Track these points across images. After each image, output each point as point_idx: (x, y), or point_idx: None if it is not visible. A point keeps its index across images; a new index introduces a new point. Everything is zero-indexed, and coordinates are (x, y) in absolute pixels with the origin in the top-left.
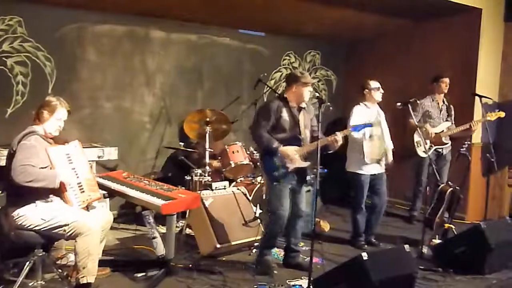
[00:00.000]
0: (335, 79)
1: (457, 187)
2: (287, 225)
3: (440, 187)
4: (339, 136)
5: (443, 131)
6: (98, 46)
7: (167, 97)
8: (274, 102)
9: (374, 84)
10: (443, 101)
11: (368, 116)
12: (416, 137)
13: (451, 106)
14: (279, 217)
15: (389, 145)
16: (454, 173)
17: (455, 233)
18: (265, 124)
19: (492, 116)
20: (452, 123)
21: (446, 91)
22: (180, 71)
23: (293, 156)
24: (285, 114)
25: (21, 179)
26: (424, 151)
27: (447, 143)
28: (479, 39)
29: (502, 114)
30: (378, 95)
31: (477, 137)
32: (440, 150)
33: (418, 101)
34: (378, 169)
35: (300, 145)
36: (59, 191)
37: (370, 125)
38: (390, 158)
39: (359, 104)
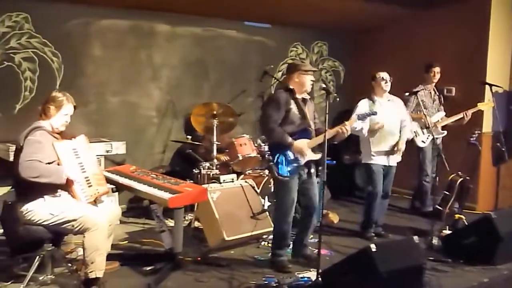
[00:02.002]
0: (342, 70)
1: (467, 177)
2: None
3: (450, 177)
4: (347, 126)
5: (438, 121)
6: (104, 41)
7: (173, 91)
8: (282, 94)
9: (381, 75)
10: (435, 91)
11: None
12: (414, 127)
13: (441, 96)
14: (287, 213)
15: (406, 135)
16: (464, 163)
17: (466, 223)
18: (276, 117)
19: (483, 105)
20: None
21: (436, 80)
22: (186, 64)
23: (306, 150)
24: (293, 106)
25: (27, 174)
26: (422, 141)
27: (443, 133)
28: (489, 26)
29: (492, 104)
30: (386, 86)
31: (487, 126)
32: (436, 139)
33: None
34: (389, 161)
35: (310, 138)
36: (67, 186)
37: (375, 113)
38: (402, 148)
39: (365, 98)
